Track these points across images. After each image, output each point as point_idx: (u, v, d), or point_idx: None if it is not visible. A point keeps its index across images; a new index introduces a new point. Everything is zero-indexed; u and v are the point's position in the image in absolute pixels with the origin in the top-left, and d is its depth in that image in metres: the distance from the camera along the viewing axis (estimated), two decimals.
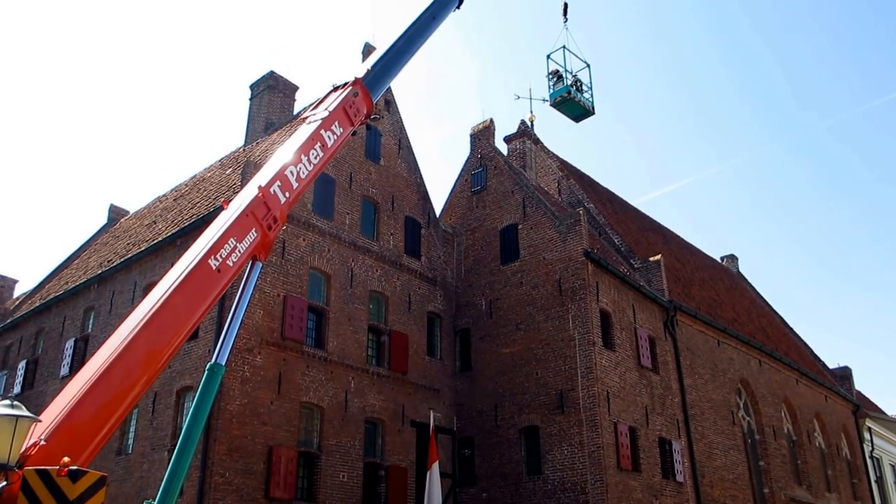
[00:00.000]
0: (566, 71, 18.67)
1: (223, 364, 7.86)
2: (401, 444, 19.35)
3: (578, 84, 18.87)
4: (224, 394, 15.63)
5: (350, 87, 10.49)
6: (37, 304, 24.78)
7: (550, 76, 18.92)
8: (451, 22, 13.34)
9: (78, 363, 20.38)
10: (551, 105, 18.97)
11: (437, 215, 23.82)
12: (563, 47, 18.79)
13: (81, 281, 22.81)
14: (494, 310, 21.95)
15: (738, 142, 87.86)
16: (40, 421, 6.06)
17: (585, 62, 19.31)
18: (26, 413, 5.91)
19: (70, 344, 21.47)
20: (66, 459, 5.68)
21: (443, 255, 23.05)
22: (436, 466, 17.56)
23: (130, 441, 17.97)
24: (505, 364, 21.03)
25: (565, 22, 19.08)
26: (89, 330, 21.40)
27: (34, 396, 21.49)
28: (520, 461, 19.85)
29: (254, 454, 15.90)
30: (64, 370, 21.20)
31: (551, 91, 18.89)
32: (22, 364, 23.48)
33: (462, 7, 13.39)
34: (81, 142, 78.09)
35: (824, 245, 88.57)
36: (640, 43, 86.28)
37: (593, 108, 19.22)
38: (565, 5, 19.18)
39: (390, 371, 19.77)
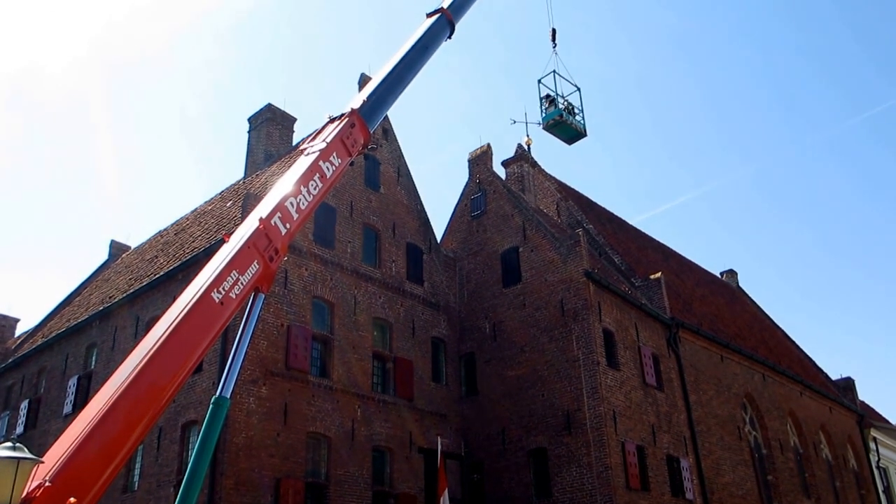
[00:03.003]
0: (557, 95, 18.91)
1: (228, 397, 7.83)
2: (409, 471, 19.21)
3: (570, 107, 19.10)
4: (229, 427, 15.54)
5: (346, 119, 10.58)
6: (39, 343, 24.72)
7: (543, 101, 19.15)
8: (446, 49, 13.51)
9: (81, 401, 20.29)
10: (544, 128, 19.20)
11: (438, 241, 23.90)
12: (554, 72, 19.08)
13: (83, 318, 22.79)
14: (498, 333, 21.93)
15: (736, 156, 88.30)
16: (42, 462, 6.01)
17: (576, 86, 19.61)
18: (28, 455, 5.88)
19: (73, 382, 21.39)
20: (72, 500, 5.64)
21: (445, 280, 23.08)
22: (446, 494, 17.46)
23: (136, 478, 17.84)
24: (511, 387, 20.96)
25: (554, 47, 19.41)
26: (92, 367, 21.33)
27: (37, 436, 21.36)
28: (529, 484, 19.69)
29: (261, 487, 15.77)
30: (67, 408, 21.09)
31: (544, 115, 19.12)
32: (24, 403, 23.36)
33: (454, 37, 13.54)
34: (81, 178, 78.53)
35: (822, 256, 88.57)
36: (633, 61, 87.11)
37: (585, 130, 19.44)
38: (553, 31, 19.52)
39: (396, 398, 19.69)
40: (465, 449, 21.03)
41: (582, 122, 19.35)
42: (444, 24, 13.19)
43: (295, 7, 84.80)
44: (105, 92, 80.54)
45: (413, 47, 12.29)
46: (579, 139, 19.61)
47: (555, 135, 19.41)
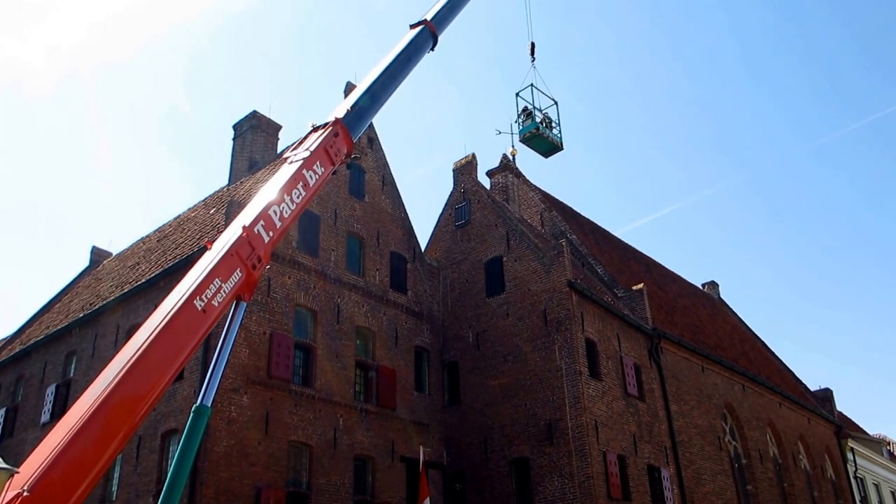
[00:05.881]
0: (535, 108, 19.04)
1: (209, 405, 7.82)
2: (391, 480, 19.16)
3: (547, 121, 19.21)
4: (210, 435, 15.44)
5: (330, 128, 10.61)
6: (16, 350, 24.41)
7: (521, 114, 19.25)
8: (431, 58, 13.57)
9: (60, 410, 20.06)
10: (520, 140, 19.30)
11: (423, 250, 23.93)
12: (531, 85, 19.21)
13: (63, 325, 22.54)
14: (481, 342, 21.97)
15: (722, 167, 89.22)
16: (18, 472, 5.95)
17: (553, 99, 19.74)
18: (2, 465, 5.83)
19: (51, 390, 21.14)
20: None
21: (429, 289, 23.10)
22: (427, 503, 17.44)
23: (114, 488, 17.64)
24: (493, 396, 20.99)
25: (533, 61, 19.57)
26: (71, 375, 21.10)
27: (14, 445, 21.07)
28: (511, 494, 19.71)
29: (241, 497, 15.66)
30: (45, 417, 20.82)
31: (520, 127, 19.25)
32: (1, 412, 23.03)
33: (436, 49, 13.59)
34: (62, 183, 77.79)
35: (802, 268, 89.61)
36: (619, 75, 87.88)
37: (561, 144, 19.56)
38: (532, 45, 19.68)
39: (379, 407, 19.65)
40: (448, 458, 21.01)
41: (558, 135, 19.48)
42: (427, 35, 13.25)
43: (281, 14, 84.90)
44: (88, 96, 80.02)
45: (396, 58, 12.36)
46: (556, 152, 19.72)
47: (531, 147, 19.51)
